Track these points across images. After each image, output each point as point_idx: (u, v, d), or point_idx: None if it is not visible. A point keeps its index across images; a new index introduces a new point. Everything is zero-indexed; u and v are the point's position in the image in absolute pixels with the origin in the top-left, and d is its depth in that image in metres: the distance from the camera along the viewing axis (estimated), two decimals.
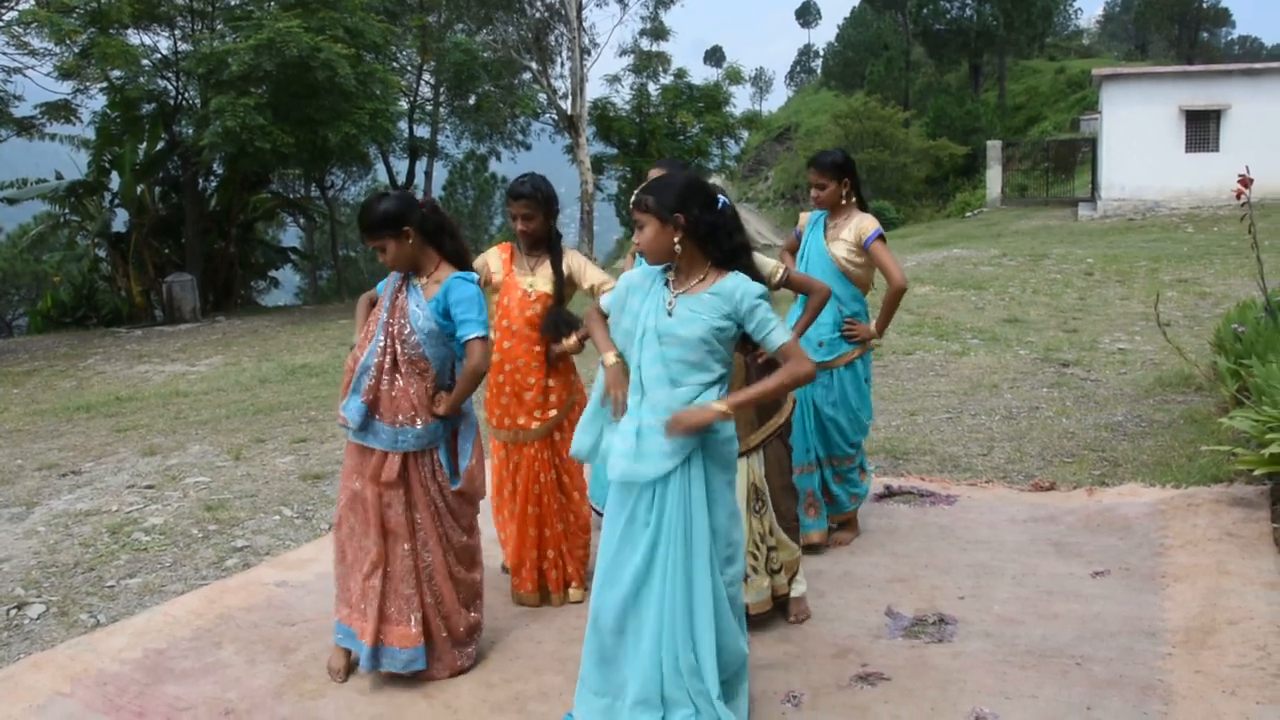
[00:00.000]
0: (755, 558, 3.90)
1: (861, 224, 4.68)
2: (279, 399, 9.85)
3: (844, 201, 4.75)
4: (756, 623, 3.96)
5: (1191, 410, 6.93)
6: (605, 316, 3.39)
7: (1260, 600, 3.94)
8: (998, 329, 11.22)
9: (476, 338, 3.63)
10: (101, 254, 21.70)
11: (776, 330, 3.02)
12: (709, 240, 3.06)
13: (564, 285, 4.36)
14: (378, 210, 3.63)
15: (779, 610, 4.06)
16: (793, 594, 4.08)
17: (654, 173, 4.98)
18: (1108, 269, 15.65)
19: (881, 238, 4.65)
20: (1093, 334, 10.72)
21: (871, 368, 5.06)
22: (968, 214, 32.00)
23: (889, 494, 5.66)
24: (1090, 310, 12.39)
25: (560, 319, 4.34)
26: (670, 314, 3.03)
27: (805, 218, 4.96)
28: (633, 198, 3.13)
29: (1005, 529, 5.02)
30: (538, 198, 4.28)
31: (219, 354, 14.14)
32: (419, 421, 3.66)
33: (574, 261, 4.41)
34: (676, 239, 3.02)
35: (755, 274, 3.19)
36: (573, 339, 4.32)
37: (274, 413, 9.15)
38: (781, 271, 3.97)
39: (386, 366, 3.67)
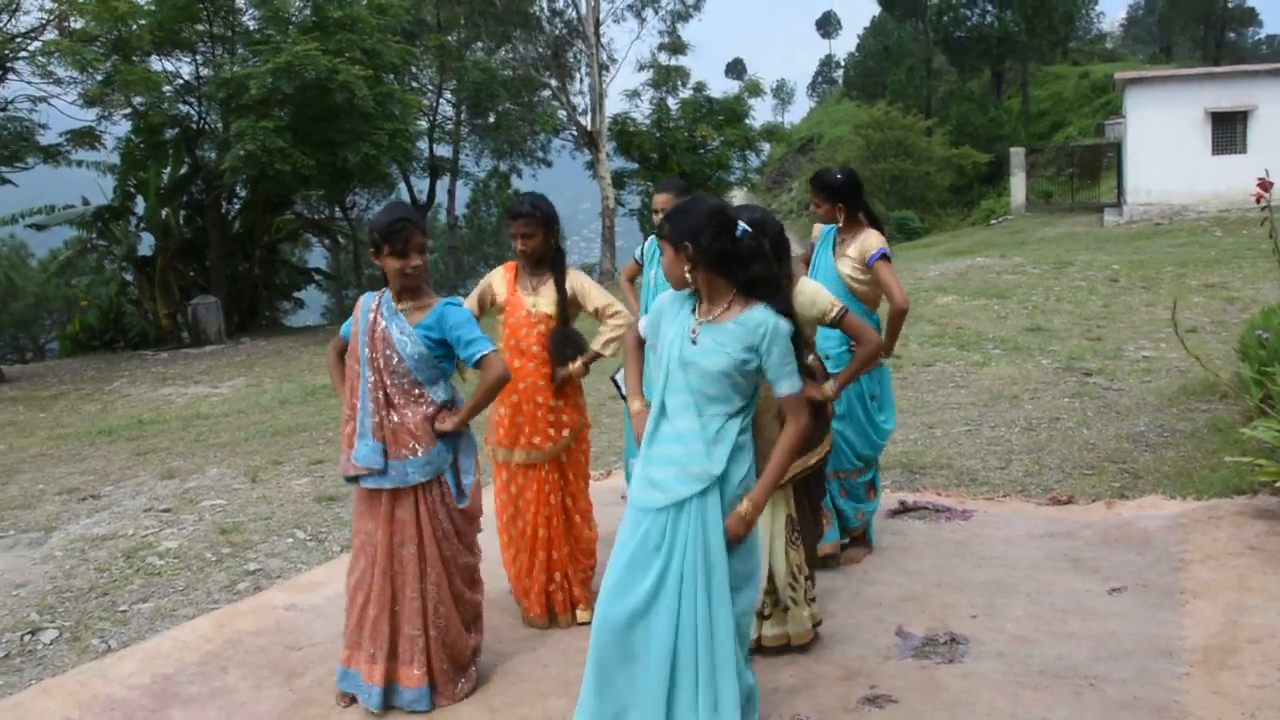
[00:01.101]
0: (794, 589, 3.85)
1: (866, 241, 4.63)
2: (298, 420, 9.89)
3: (844, 222, 4.71)
4: (774, 649, 3.90)
5: (1216, 419, 6.80)
6: (642, 344, 3.39)
7: None
8: (1020, 338, 11.09)
9: (490, 353, 3.64)
10: (128, 278, 21.94)
11: (788, 379, 3.01)
12: (722, 270, 3.03)
13: (568, 306, 4.34)
14: (415, 216, 3.68)
15: (809, 645, 3.98)
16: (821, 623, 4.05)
17: (658, 197, 4.96)
18: (1133, 275, 15.45)
19: (885, 257, 4.58)
20: (1117, 342, 10.57)
21: (889, 384, 4.99)
22: (992, 222, 31.78)
23: (904, 509, 5.58)
24: (1115, 317, 12.22)
25: (566, 341, 4.31)
26: (694, 343, 3.02)
27: (818, 230, 4.92)
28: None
29: (1021, 545, 4.93)
30: (537, 216, 4.26)
31: (241, 376, 14.24)
32: (420, 450, 3.64)
33: (577, 282, 4.38)
34: (686, 268, 3.02)
35: (783, 304, 3.10)
36: (578, 363, 4.30)
37: (292, 434, 9.18)
38: (836, 310, 3.83)
39: (382, 401, 3.66)
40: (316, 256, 33.81)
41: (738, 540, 3.00)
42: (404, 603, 3.70)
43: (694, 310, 3.09)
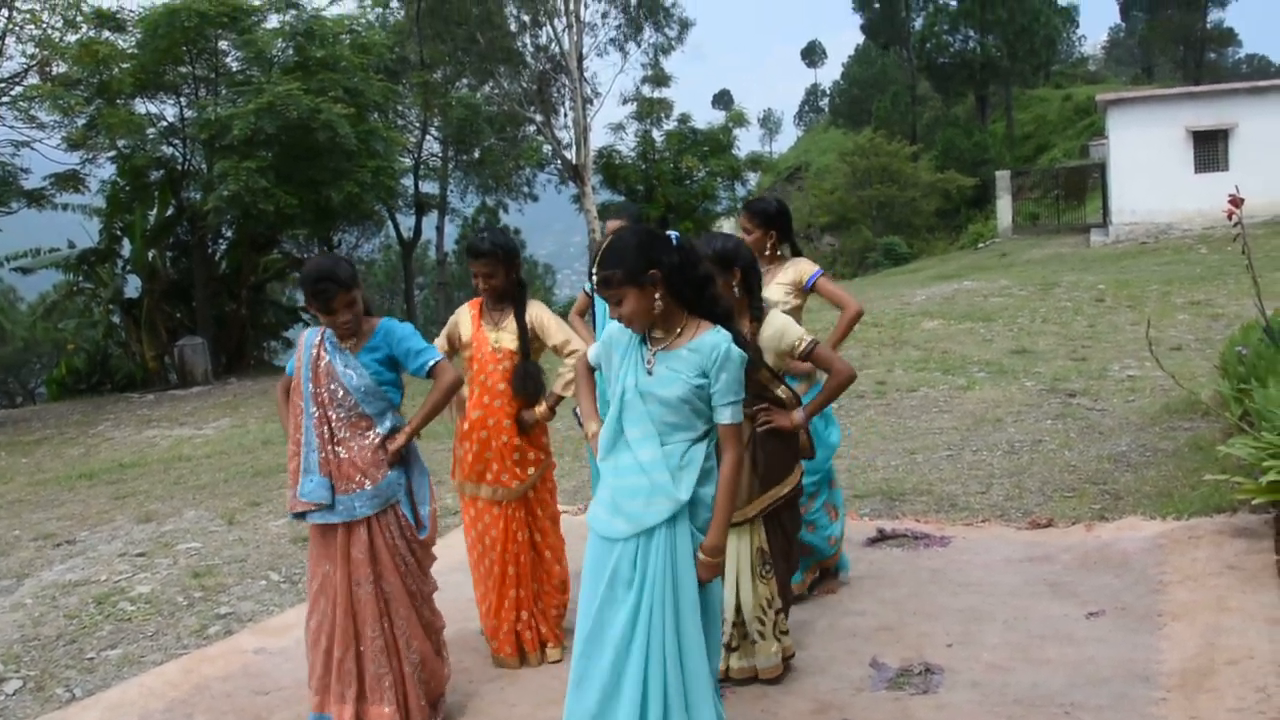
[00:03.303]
0: (763, 622, 3.79)
1: (800, 266, 4.69)
2: (278, 460, 9.79)
3: (771, 251, 4.72)
4: (741, 681, 3.84)
5: (1197, 437, 6.75)
6: (593, 371, 3.33)
7: (1262, 638, 3.77)
8: (1005, 361, 11.05)
9: (441, 360, 3.70)
10: (115, 320, 21.84)
11: (730, 408, 2.91)
12: (685, 283, 2.96)
13: (529, 339, 4.30)
14: (344, 268, 3.59)
15: (779, 680, 3.89)
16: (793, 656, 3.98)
17: (611, 224, 4.94)
18: (1119, 294, 15.46)
19: (823, 274, 4.68)
20: (1102, 362, 10.54)
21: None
22: (980, 245, 31.87)
23: (882, 538, 5.51)
24: (1100, 337, 12.21)
25: (529, 377, 4.26)
26: (650, 373, 2.94)
27: None
28: (594, 277, 2.95)
29: (999, 570, 4.87)
30: (498, 255, 4.22)
31: (227, 416, 14.14)
32: (368, 483, 3.60)
33: (537, 316, 4.34)
34: (658, 295, 2.91)
35: (725, 314, 3.02)
36: (543, 407, 4.27)
37: (272, 474, 9.09)
38: (807, 343, 3.81)
39: (327, 436, 3.61)
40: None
41: (706, 584, 2.93)
42: (367, 642, 3.63)
43: (645, 339, 3.02)
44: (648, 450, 2.92)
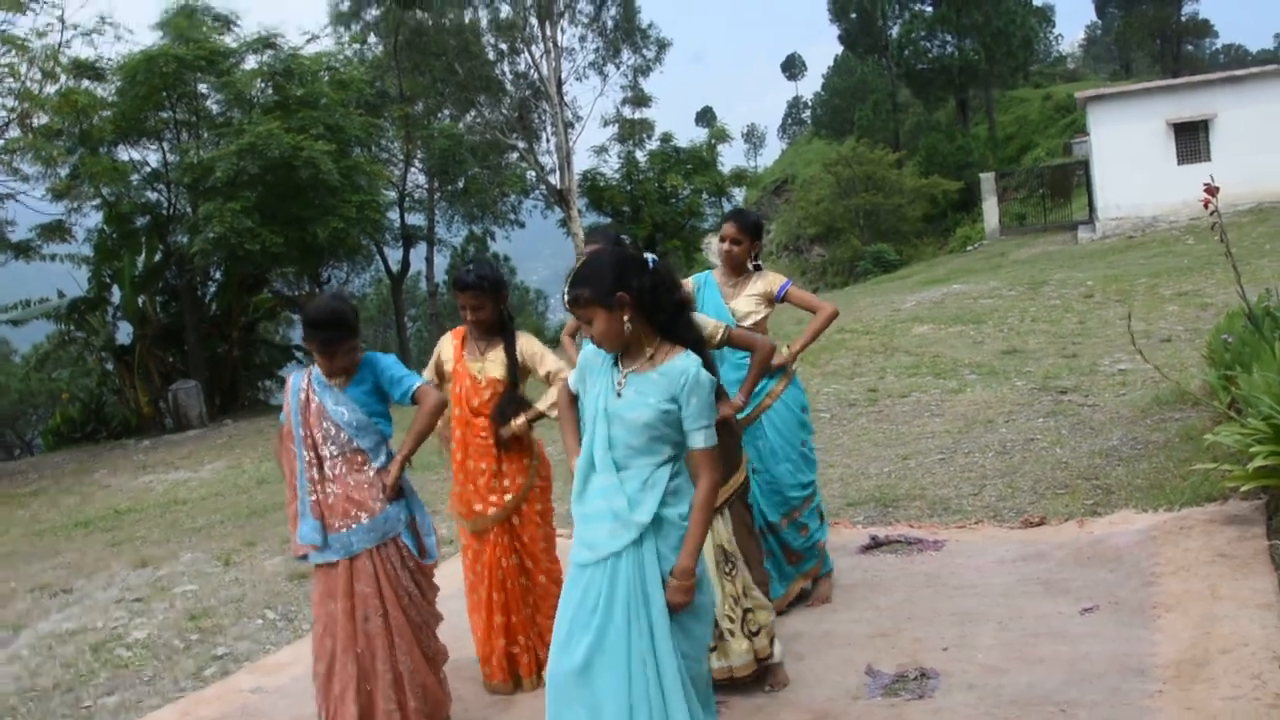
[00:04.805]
0: (731, 620, 3.79)
1: (770, 278, 4.77)
2: (274, 499, 9.78)
3: (750, 264, 4.81)
4: (734, 689, 3.82)
5: (1187, 427, 6.75)
6: (574, 400, 3.32)
7: (1255, 624, 3.76)
8: (996, 362, 11.06)
9: (423, 384, 3.74)
10: (109, 367, 21.81)
11: (704, 433, 2.88)
12: (656, 307, 2.95)
13: (518, 371, 4.28)
14: (348, 310, 3.64)
15: (755, 679, 3.91)
16: (772, 660, 3.95)
17: (588, 247, 4.97)
18: (1107, 290, 15.48)
19: (793, 284, 4.79)
20: (1092, 357, 10.55)
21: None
22: (968, 248, 31.95)
23: (876, 544, 5.49)
24: (1090, 333, 12.22)
25: (509, 404, 4.25)
26: (619, 395, 2.93)
27: (690, 282, 4.86)
28: (565, 296, 2.98)
29: (993, 571, 4.85)
30: (484, 286, 4.19)
31: (223, 458, 14.12)
32: (364, 516, 3.59)
33: (527, 347, 4.32)
34: (627, 318, 2.90)
35: (696, 333, 3.06)
36: (520, 419, 4.23)
37: (267, 514, 9.08)
38: (722, 331, 3.98)
39: (316, 478, 3.61)
40: (299, 333, 33.62)
41: (680, 609, 2.87)
42: (376, 678, 3.62)
43: (616, 362, 3.00)
44: (610, 475, 2.90)
